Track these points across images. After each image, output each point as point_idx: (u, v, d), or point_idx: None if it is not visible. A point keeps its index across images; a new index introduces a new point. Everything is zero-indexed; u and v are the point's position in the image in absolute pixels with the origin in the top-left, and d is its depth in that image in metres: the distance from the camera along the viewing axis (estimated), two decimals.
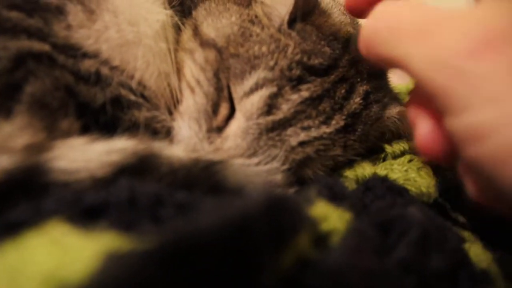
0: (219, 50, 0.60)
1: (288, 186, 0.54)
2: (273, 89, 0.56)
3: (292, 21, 0.60)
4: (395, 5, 0.41)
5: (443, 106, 0.35)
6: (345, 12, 0.70)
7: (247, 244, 0.27)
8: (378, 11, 0.42)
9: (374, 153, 0.64)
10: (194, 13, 0.67)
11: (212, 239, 0.25)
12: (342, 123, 0.59)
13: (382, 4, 0.42)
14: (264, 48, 0.58)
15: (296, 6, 0.58)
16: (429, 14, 0.37)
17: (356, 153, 0.61)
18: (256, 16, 0.62)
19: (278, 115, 0.56)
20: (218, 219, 0.26)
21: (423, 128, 0.40)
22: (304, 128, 0.57)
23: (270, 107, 0.56)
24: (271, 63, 0.57)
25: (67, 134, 0.47)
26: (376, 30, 0.41)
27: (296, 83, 0.57)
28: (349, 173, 0.59)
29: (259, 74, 0.56)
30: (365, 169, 0.59)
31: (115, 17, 0.57)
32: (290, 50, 0.58)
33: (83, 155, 0.43)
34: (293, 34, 0.59)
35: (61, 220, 0.30)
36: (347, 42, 0.61)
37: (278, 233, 0.29)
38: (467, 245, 0.45)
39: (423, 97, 0.40)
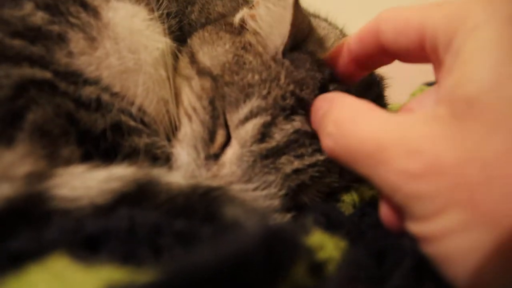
0: (214, 78, 0.61)
1: (286, 211, 0.55)
2: (267, 118, 0.57)
3: (286, 51, 0.60)
4: (350, 117, 0.45)
5: (404, 213, 0.40)
6: (341, 36, 0.71)
7: (244, 279, 0.27)
8: (334, 127, 0.46)
9: None
10: (189, 41, 0.68)
11: (209, 274, 0.26)
12: None
13: (337, 112, 0.47)
14: (257, 77, 0.59)
15: (290, 36, 0.59)
16: (381, 132, 0.41)
17: (352, 179, 0.61)
18: (250, 44, 0.63)
19: (271, 143, 0.57)
20: (215, 254, 0.27)
21: (384, 208, 0.44)
22: (297, 156, 0.57)
23: (263, 135, 0.57)
24: (264, 92, 0.58)
25: (68, 162, 0.48)
26: (336, 152, 0.45)
27: (290, 112, 0.58)
28: (346, 197, 0.60)
29: (253, 103, 0.57)
30: (362, 193, 0.60)
31: (116, 44, 0.58)
32: (282, 79, 0.58)
33: (84, 183, 0.43)
34: (287, 63, 0.60)
35: (63, 253, 0.31)
36: None
37: (274, 265, 0.30)
38: None
39: None
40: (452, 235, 0.35)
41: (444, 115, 0.38)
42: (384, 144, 0.39)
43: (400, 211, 0.41)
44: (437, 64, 0.44)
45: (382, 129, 0.41)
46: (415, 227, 0.38)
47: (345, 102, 0.48)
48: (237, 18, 0.68)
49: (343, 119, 0.45)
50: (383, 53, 0.51)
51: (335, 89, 0.59)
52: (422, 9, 0.45)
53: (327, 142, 0.47)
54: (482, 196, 0.33)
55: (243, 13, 0.67)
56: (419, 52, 0.46)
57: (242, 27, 0.66)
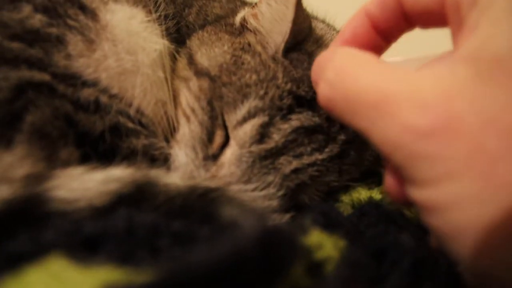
0: (212, 79, 0.61)
1: (284, 211, 0.55)
2: (265, 118, 0.57)
3: (286, 50, 0.61)
4: (352, 65, 0.40)
5: (404, 176, 0.36)
6: None
7: (241, 279, 0.27)
8: (333, 73, 0.41)
9: (370, 177, 0.65)
10: (188, 42, 0.68)
11: (206, 274, 0.26)
12: (336, 150, 0.59)
13: (338, 59, 0.42)
14: (254, 77, 0.59)
15: (291, 34, 0.59)
16: (387, 82, 0.37)
17: (351, 178, 0.61)
18: (249, 44, 0.63)
19: (270, 144, 0.57)
20: (212, 255, 0.27)
21: (390, 178, 0.41)
22: (296, 156, 0.58)
23: (262, 136, 0.57)
24: (262, 92, 0.58)
25: (66, 163, 0.48)
26: (332, 100, 0.41)
27: (287, 112, 0.58)
28: (344, 198, 0.60)
29: (251, 103, 0.57)
30: (360, 194, 0.60)
31: (114, 46, 0.58)
32: (280, 79, 0.59)
33: (82, 184, 0.44)
34: (286, 62, 0.60)
35: (61, 254, 0.31)
36: None
37: (272, 265, 0.30)
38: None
39: None
40: (461, 205, 0.32)
41: (466, 74, 0.34)
42: (390, 95, 0.35)
43: (402, 177, 0.37)
44: (457, 25, 0.39)
45: (390, 79, 0.37)
46: (417, 193, 0.35)
47: (350, 51, 0.43)
48: (238, 18, 0.68)
49: (345, 66, 0.41)
50: (404, 17, 0.47)
51: None
52: None
53: (323, 88, 0.42)
54: (502, 166, 0.30)
55: (244, 12, 0.67)
56: (439, 12, 0.42)
57: (242, 28, 0.67)
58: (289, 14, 0.58)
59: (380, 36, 0.50)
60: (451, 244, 0.34)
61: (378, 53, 0.53)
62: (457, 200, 0.32)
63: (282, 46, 0.60)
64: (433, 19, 0.44)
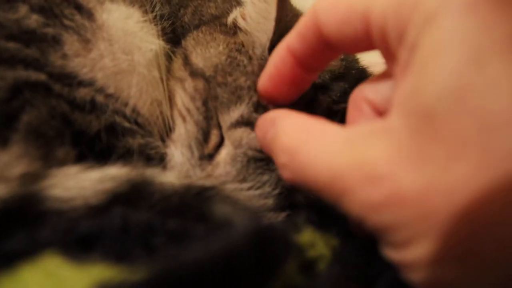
0: (207, 80, 0.61)
1: (280, 210, 0.55)
2: None
3: (273, 48, 0.60)
4: (301, 144, 0.40)
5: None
6: None
7: (234, 277, 0.28)
8: (286, 158, 0.41)
9: None
10: (183, 42, 0.69)
11: (199, 272, 0.26)
12: None
13: (284, 136, 0.42)
14: (249, 82, 0.59)
15: (275, 33, 0.59)
16: (336, 157, 0.36)
17: None
18: (242, 45, 0.63)
19: None
20: (206, 253, 0.27)
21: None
22: None
23: (255, 140, 0.57)
24: (255, 98, 0.58)
25: (62, 162, 0.48)
26: (295, 181, 0.41)
27: None
28: None
29: (244, 110, 0.57)
30: None
31: (110, 46, 0.58)
32: None
33: (78, 183, 0.44)
34: None
35: (56, 253, 0.32)
36: None
37: (264, 264, 0.30)
38: None
39: None
40: (426, 266, 0.32)
41: (399, 128, 0.33)
42: (341, 172, 0.35)
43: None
44: (389, 55, 0.38)
45: (335, 154, 0.36)
46: (389, 253, 0.35)
47: (291, 124, 0.43)
48: (230, 18, 0.68)
49: (294, 147, 0.40)
50: (328, 47, 0.44)
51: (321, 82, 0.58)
52: None
53: (283, 172, 0.42)
54: (448, 227, 0.30)
55: (236, 12, 0.67)
56: (366, 40, 0.40)
57: (236, 27, 0.67)
58: (272, 11, 0.58)
59: (305, 69, 0.49)
60: None
61: (306, 86, 0.53)
62: (421, 262, 0.32)
63: (267, 44, 0.60)
64: (362, 46, 0.43)
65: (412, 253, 0.32)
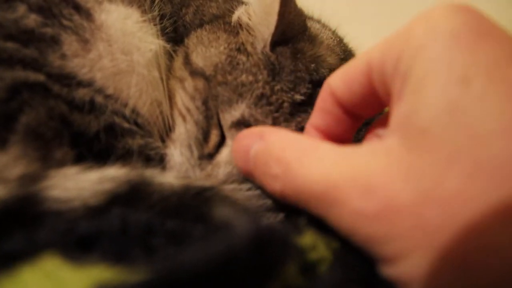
0: (207, 79, 0.61)
1: (280, 210, 0.55)
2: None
3: (275, 44, 0.60)
4: (296, 156, 0.41)
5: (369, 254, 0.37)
6: (333, 37, 0.72)
7: (233, 278, 0.28)
8: (279, 169, 0.42)
9: None
10: (186, 40, 0.68)
11: (198, 274, 0.26)
12: None
13: (277, 148, 0.43)
14: (250, 78, 0.59)
15: (278, 27, 0.59)
16: (330, 168, 0.38)
17: None
18: (243, 44, 0.63)
19: None
20: (205, 254, 0.27)
21: None
22: None
23: None
24: (255, 93, 0.58)
25: (61, 163, 0.48)
26: (284, 194, 0.42)
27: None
28: None
29: (245, 109, 0.57)
30: None
31: (109, 46, 0.58)
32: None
33: (77, 184, 0.44)
34: (273, 58, 0.60)
35: (55, 254, 0.31)
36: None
37: (264, 265, 0.30)
38: None
39: None
40: (420, 280, 0.32)
41: (395, 146, 0.35)
42: (335, 183, 0.36)
43: None
44: (388, 96, 0.40)
45: (332, 167, 0.38)
46: (382, 268, 0.36)
47: (282, 138, 0.44)
48: (235, 16, 0.68)
49: (288, 158, 0.41)
50: (346, 113, 0.46)
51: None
52: (367, 49, 0.41)
53: (274, 185, 0.43)
54: (442, 239, 0.31)
55: (241, 10, 0.67)
56: (373, 94, 0.42)
57: (239, 27, 0.67)
58: (276, 6, 0.58)
59: (336, 141, 0.48)
60: None
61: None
62: (414, 276, 0.32)
63: (269, 39, 0.60)
64: (372, 102, 0.44)
65: (406, 266, 0.33)
